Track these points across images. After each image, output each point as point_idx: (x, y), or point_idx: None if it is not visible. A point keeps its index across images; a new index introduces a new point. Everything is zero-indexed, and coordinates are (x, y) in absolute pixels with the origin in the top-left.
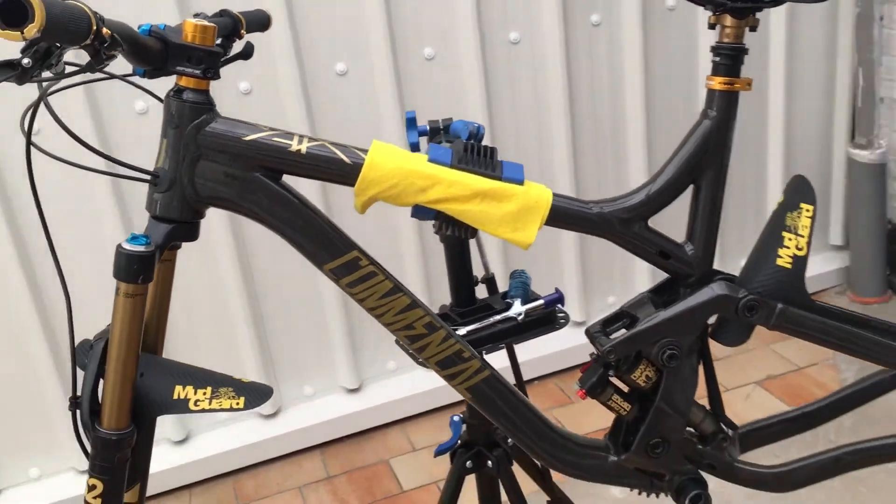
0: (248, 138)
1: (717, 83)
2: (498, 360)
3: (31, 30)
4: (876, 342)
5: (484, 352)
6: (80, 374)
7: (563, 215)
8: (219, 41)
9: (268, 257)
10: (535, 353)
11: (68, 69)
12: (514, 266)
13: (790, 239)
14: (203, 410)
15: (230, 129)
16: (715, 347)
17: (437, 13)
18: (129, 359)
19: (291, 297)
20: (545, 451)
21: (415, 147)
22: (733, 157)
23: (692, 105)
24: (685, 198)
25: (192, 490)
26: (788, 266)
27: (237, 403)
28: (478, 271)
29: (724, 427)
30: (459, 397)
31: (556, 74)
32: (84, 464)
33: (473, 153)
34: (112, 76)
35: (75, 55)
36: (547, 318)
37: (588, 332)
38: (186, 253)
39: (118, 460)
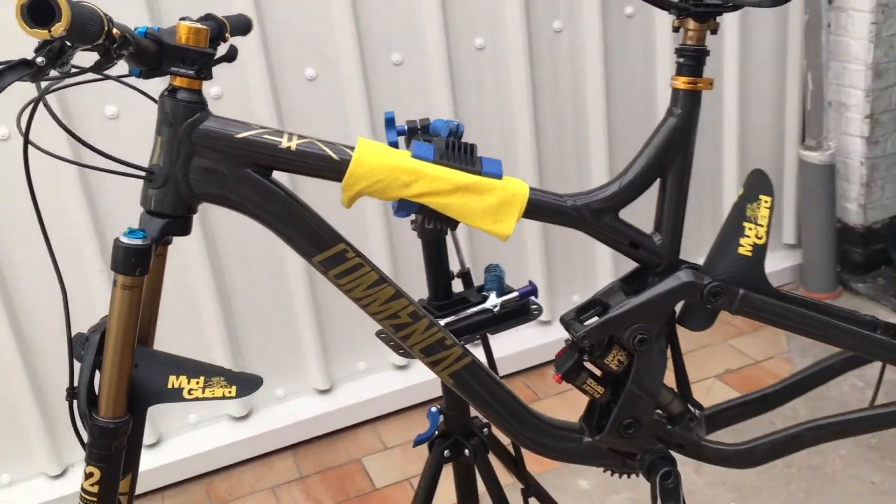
0: (239, 136)
1: (681, 83)
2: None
3: (59, 28)
4: (830, 324)
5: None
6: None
7: (540, 208)
8: None
9: (238, 260)
10: (504, 351)
11: (70, 71)
12: (481, 265)
13: (750, 228)
14: (196, 399)
15: (223, 127)
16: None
17: (404, 20)
18: (126, 349)
19: (262, 300)
20: (524, 434)
21: (394, 146)
22: None
23: (650, 105)
24: (652, 192)
25: (164, 493)
26: (749, 254)
27: (229, 392)
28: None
29: (691, 408)
30: (428, 396)
31: (520, 78)
32: (56, 469)
33: (454, 149)
34: (108, 77)
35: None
36: (521, 310)
37: (563, 320)
38: None
39: (115, 448)
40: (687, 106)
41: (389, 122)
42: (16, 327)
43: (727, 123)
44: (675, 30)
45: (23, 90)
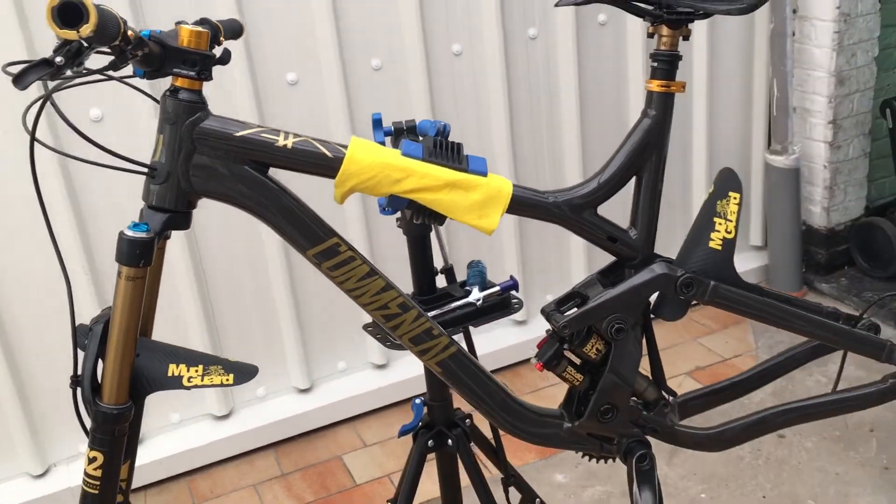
0: (238, 134)
1: (656, 86)
2: None
3: (87, 29)
4: (796, 314)
5: None
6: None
7: (523, 204)
8: None
9: (220, 262)
10: (480, 350)
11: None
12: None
13: (720, 224)
14: (196, 386)
15: (222, 126)
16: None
17: (384, 26)
18: (130, 338)
19: (243, 301)
20: (508, 420)
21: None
22: None
23: (622, 109)
24: (627, 189)
25: (147, 491)
26: (719, 248)
27: (227, 379)
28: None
29: (665, 395)
30: (406, 395)
31: (496, 83)
32: (38, 468)
33: (442, 148)
34: (112, 78)
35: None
36: (503, 304)
37: (544, 311)
38: None
39: (118, 433)
40: (661, 107)
41: (377, 123)
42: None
43: (696, 128)
44: (650, 36)
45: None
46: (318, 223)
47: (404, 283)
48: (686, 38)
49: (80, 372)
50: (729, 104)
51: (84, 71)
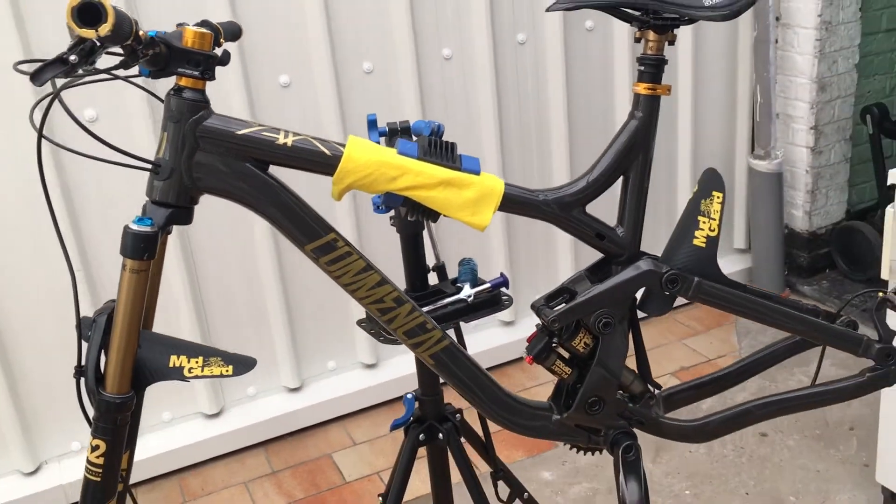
0: (240, 132)
1: (642, 89)
2: None
3: (105, 29)
4: (777, 310)
5: None
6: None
7: (514, 202)
8: None
9: (211, 262)
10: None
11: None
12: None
13: (704, 222)
14: (196, 377)
15: (224, 125)
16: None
17: (375, 30)
18: (133, 328)
19: (234, 300)
20: (498, 412)
21: None
22: None
23: (608, 112)
24: (615, 189)
25: (138, 488)
26: (703, 245)
27: (227, 370)
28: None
29: (650, 388)
30: (395, 395)
31: (486, 87)
32: (30, 465)
33: (436, 147)
34: (117, 77)
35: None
36: (493, 300)
37: (534, 306)
38: None
39: (120, 422)
40: (647, 109)
41: (372, 123)
42: None
43: (682, 132)
44: (637, 40)
45: None
46: (315, 219)
47: (395, 281)
48: (671, 42)
49: (83, 362)
50: (714, 109)
51: (94, 70)
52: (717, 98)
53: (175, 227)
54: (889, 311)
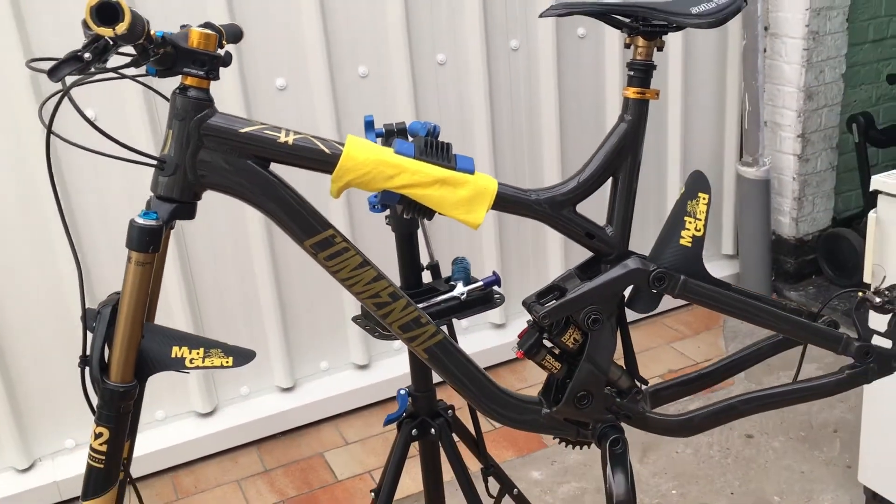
0: (242, 131)
1: (632, 93)
2: None
3: (122, 27)
4: (761, 308)
5: None
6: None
7: (507, 201)
8: None
9: (206, 263)
10: None
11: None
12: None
13: (690, 222)
14: (197, 367)
15: (227, 123)
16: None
17: (371, 35)
18: (137, 319)
19: (228, 300)
20: (490, 406)
21: None
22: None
23: (599, 116)
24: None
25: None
26: (689, 245)
27: (227, 362)
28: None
29: (637, 383)
30: (386, 396)
31: (479, 92)
32: (24, 462)
33: (432, 147)
34: (124, 76)
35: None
36: (486, 298)
37: (525, 303)
38: None
39: (123, 410)
40: (636, 113)
41: (369, 124)
42: None
43: (671, 137)
44: (627, 46)
45: None
46: (314, 216)
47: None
48: (660, 48)
49: (88, 352)
50: (703, 116)
51: (104, 68)
52: (706, 105)
53: (172, 232)
54: (871, 312)
